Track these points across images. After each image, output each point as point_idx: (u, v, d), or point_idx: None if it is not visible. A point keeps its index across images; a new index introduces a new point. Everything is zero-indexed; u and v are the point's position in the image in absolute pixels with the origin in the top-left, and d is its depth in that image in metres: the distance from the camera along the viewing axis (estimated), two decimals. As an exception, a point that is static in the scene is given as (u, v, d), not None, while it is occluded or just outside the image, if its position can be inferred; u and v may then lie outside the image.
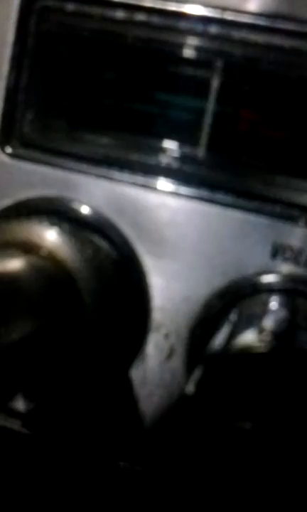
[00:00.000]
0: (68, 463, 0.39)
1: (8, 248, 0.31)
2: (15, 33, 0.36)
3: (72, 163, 0.36)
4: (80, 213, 0.36)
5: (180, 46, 0.34)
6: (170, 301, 0.35)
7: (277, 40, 0.32)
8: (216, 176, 0.34)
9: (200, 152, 0.35)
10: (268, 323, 0.28)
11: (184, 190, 0.34)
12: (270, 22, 0.32)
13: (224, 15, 0.33)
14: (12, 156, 0.37)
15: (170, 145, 0.35)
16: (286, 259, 0.33)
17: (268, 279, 0.33)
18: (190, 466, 0.36)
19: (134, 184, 0.35)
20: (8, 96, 0.36)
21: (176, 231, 0.34)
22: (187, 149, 0.35)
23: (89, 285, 0.32)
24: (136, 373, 0.36)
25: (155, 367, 0.35)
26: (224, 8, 0.33)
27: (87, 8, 0.35)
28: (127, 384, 0.36)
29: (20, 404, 0.38)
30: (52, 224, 0.33)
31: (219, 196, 0.34)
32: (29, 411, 0.38)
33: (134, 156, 0.35)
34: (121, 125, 0.36)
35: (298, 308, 0.30)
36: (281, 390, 0.27)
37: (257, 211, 0.33)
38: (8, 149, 0.37)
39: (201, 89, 0.34)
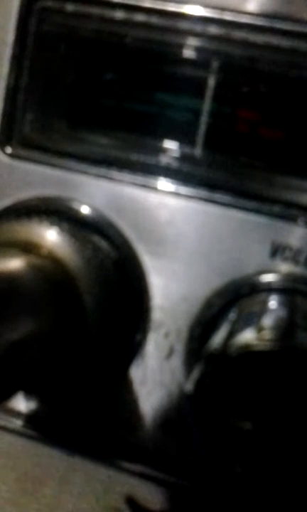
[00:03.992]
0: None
1: (8, 248, 0.31)
2: (15, 33, 0.36)
3: (72, 163, 0.36)
4: (80, 213, 0.36)
5: (180, 46, 0.34)
6: (170, 301, 0.35)
7: (276, 41, 0.32)
8: (215, 175, 0.34)
9: (199, 152, 0.35)
10: (267, 321, 0.28)
11: (183, 190, 0.34)
12: (269, 22, 0.32)
13: (223, 15, 0.33)
14: (12, 156, 0.37)
15: (170, 145, 0.35)
16: (285, 259, 0.33)
17: (268, 278, 0.33)
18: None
19: (134, 184, 0.35)
20: (8, 96, 0.36)
21: (175, 231, 0.34)
22: (187, 149, 0.35)
23: (89, 284, 0.32)
24: (135, 372, 0.36)
25: (155, 366, 0.36)
26: (223, 9, 0.33)
27: (87, 9, 0.35)
28: (127, 383, 0.36)
29: (20, 404, 0.38)
30: (52, 224, 0.34)
31: (219, 196, 0.34)
32: (29, 411, 0.38)
33: (134, 156, 0.35)
34: (120, 125, 0.36)
35: (297, 307, 0.30)
36: (280, 388, 0.27)
37: (256, 211, 0.33)
38: (8, 149, 0.37)
39: (200, 89, 0.34)
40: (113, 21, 0.35)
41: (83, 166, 0.36)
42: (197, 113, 0.34)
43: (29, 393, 0.37)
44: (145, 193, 0.35)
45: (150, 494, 0.37)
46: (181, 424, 0.36)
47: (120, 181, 0.35)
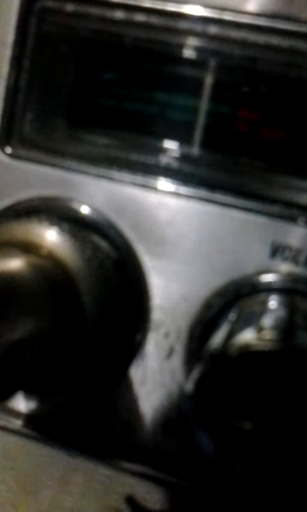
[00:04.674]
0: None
1: (8, 248, 0.31)
2: (15, 33, 0.36)
3: (71, 163, 0.36)
4: (80, 213, 0.36)
5: (180, 46, 0.34)
6: (170, 301, 0.35)
7: (276, 41, 0.32)
8: (215, 175, 0.34)
9: (199, 152, 0.35)
10: (267, 321, 0.28)
11: (183, 190, 0.34)
12: (269, 22, 0.32)
13: (223, 15, 0.33)
14: (12, 156, 0.37)
15: (170, 145, 0.35)
16: (285, 259, 0.33)
17: (268, 278, 0.33)
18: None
19: (134, 184, 0.35)
20: (8, 96, 0.36)
21: (175, 231, 0.34)
22: (187, 149, 0.35)
23: (89, 284, 0.32)
24: (135, 372, 0.36)
25: (155, 366, 0.36)
26: (223, 9, 0.33)
27: (87, 9, 0.35)
28: (127, 383, 0.36)
29: (20, 404, 0.38)
30: (52, 224, 0.34)
31: (219, 196, 0.34)
32: (29, 411, 0.38)
33: (134, 156, 0.35)
34: (120, 125, 0.36)
35: (297, 307, 0.30)
36: (280, 388, 0.27)
37: (256, 211, 0.33)
38: (8, 149, 0.37)
39: (200, 89, 0.34)
40: (113, 21, 0.35)
41: (83, 166, 0.36)
42: (197, 113, 0.34)
43: (29, 393, 0.37)
44: (145, 193, 0.35)
45: (150, 494, 0.37)
46: (181, 424, 0.36)
47: (120, 181, 0.35)
